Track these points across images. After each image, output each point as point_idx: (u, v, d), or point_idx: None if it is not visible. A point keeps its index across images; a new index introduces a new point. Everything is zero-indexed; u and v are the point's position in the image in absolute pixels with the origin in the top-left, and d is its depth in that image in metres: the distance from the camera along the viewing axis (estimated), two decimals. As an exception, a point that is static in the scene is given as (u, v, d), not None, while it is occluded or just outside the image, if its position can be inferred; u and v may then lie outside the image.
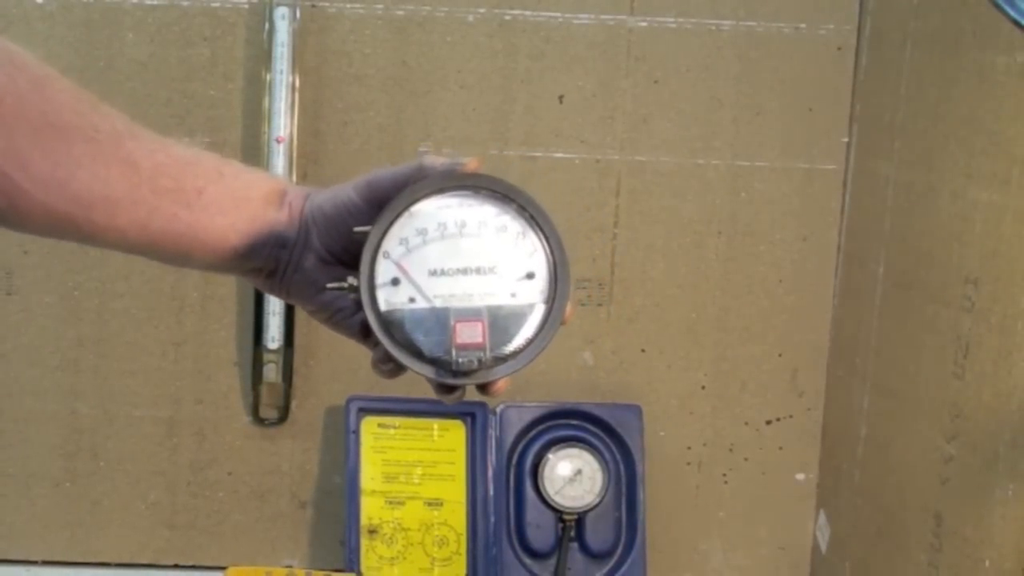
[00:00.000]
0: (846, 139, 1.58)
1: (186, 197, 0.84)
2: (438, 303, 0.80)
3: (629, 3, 1.55)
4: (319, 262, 0.87)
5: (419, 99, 1.55)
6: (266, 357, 1.55)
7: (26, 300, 1.55)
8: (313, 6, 1.53)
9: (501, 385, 0.82)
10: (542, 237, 0.82)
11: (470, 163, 0.84)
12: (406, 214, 0.81)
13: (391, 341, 0.81)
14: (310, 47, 1.53)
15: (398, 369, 0.82)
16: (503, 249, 0.82)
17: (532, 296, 0.82)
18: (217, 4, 1.52)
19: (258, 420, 1.58)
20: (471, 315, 0.80)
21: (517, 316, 0.81)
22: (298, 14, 1.51)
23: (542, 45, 1.55)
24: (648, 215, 1.59)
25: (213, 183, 0.85)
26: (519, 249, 0.82)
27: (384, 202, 0.83)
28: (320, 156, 1.53)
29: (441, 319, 0.80)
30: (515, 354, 0.81)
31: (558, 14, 1.55)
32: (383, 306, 0.81)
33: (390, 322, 0.80)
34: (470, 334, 0.80)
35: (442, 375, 0.81)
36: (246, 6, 1.52)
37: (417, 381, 1.57)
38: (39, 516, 1.59)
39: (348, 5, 1.53)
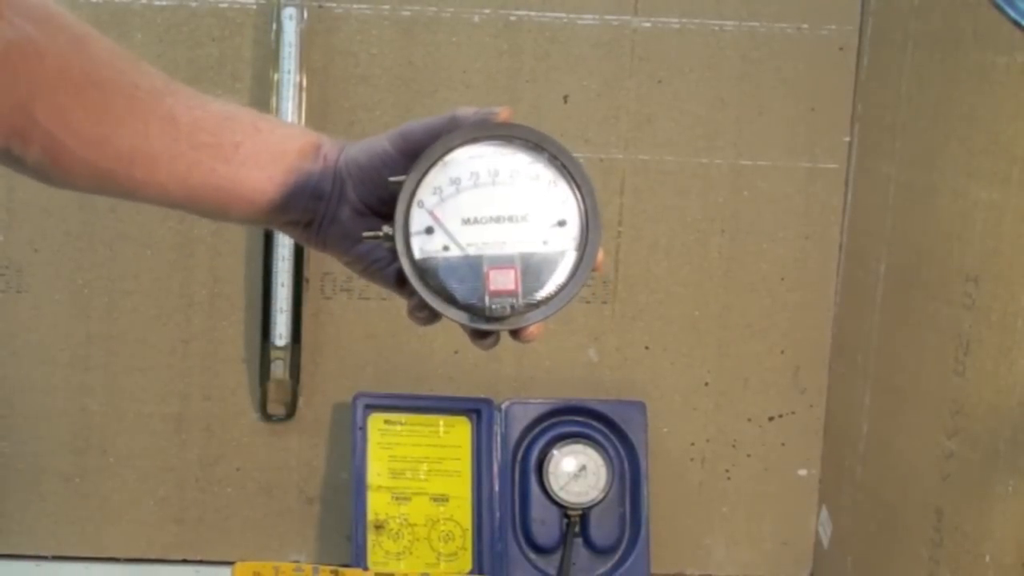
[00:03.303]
0: (848, 138, 1.59)
1: (224, 152, 0.86)
2: (471, 251, 0.81)
3: (633, 4, 1.56)
4: (354, 213, 0.88)
5: (425, 99, 1.56)
6: (274, 354, 1.56)
7: (36, 298, 1.56)
8: (320, 7, 1.54)
9: (534, 330, 0.83)
10: (573, 185, 0.83)
11: (502, 112, 0.85)
12: (440, 163, 0.82)
13: (426, 288, 0.82)
14: (317, 47, 1.54)
15: (432, 316, 0.84)
16: (535, 197, 0.83)
17: (564, 243, 0.82)
18: (225, 5, 1.53)
19: (266, 416, 1.59)
20: (504, 262, 0.81)
21: (549, 263, 0.82)
22: (305, 15, 1.52)
23: (547, 45, 1.56)
24: (652, 213, 1.60)
25: (250, 137, 0.87)
26: (551, 197, 0.83)
27: (418, 152, 0.83)
28: (327, 155, 1.54)
29: (474, 266, 0.81)
30: (547, 300, 0.82)
31: (563, 15, 1.56)
32: (417, 254, 0.82)
33: (424, 270, 0.82)
34: (503, 280, 0.81)
35: (475, 321, 0.82)
36: (254, 7, 1.53)
37: (422, 378, 1.59)
38: (49, 511, 1.60)
39: (355, 6, 1.54)
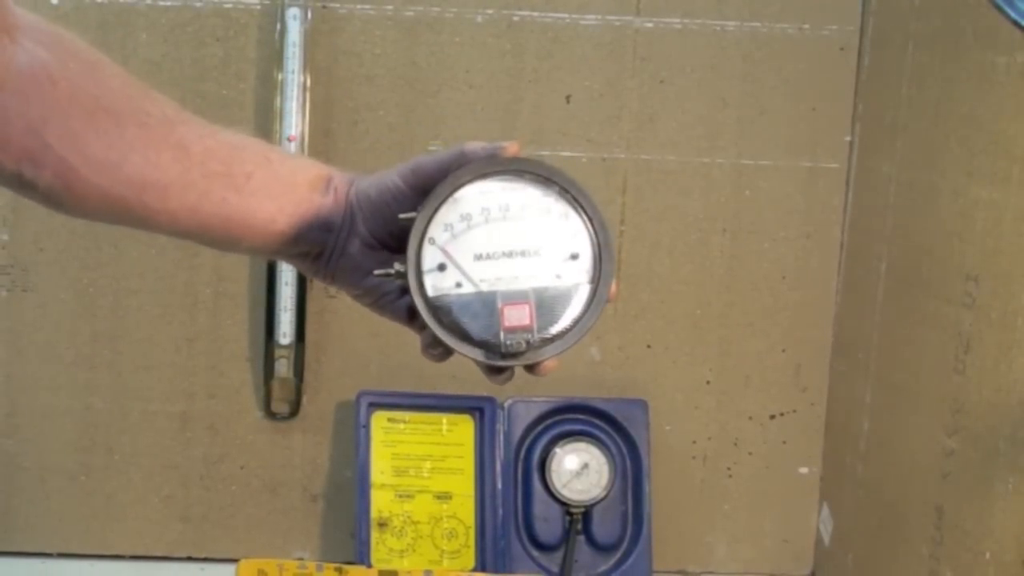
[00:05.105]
0: (849, 138, 1.59)
1: (235, 182, 0.86)
2: (484, 287, 0.82)
3: (635, 4, 1.57)
4: (364, 247, 0.88)
5: (428, 99, 1.56)
6: (278, 352, 1.56)
7: (42, 297, 1.57)
8: (324, 7, 1.54)
9: (549, 365, 0.83)
10: (585, 218, 0.83)
11: (510, 147, 0.84)
12: (450, 200, 0.82)
13: (440, 326, 0.82)
14: (321, 47, 1.54)
15: (446, 353, 0.84)
16: (547, 231, 0.83)
17: (577, 276, 0.83)
18: (229, 5, 1.54)
19: (270, 415, 1.60)
20: (518, 298, 0.81)
21: (563, 297, 0.82)
22: (309, 15, 1.52)
23: (549, 45, 1.57)
24: (654, 213, 1.60)
25: (261, 168, 0.87)
26: (562, 231, 0.83)
27: (428, 188, 0.84)
28: (331, 155, 1.55)
29: (488, 303, 0.81)
30: (562, 334, 0.82)
31: (565, 15, 1.56)
32: (430, 292, 0.82)
33: (438, 307, 0.82)
34: (518, 316, 0.81)
35: (491, 357, 0.82)
36: (258, 7, 1.54)
37: (425, 376, 1.60)
38: (54, 509, 1.60)
39: (359, 6, 1.55)
